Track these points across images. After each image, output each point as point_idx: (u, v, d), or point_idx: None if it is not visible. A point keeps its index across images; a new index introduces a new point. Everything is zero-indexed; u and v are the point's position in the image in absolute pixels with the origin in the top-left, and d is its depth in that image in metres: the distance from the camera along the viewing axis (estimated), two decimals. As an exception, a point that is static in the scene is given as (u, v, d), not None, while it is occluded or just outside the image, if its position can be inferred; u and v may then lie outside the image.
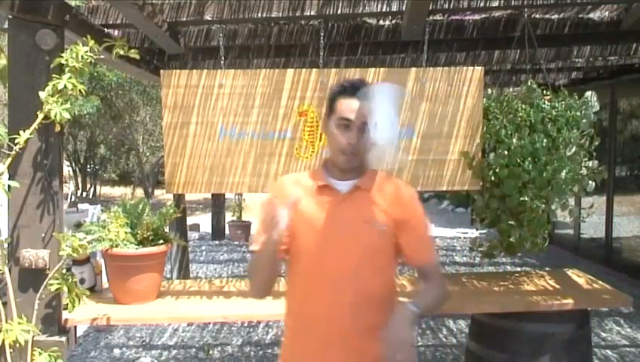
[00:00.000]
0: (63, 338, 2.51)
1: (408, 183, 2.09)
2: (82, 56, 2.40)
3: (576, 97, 2.90)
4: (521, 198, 2.76)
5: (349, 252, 1.73)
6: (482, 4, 3.02)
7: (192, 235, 9.55)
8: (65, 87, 2.35)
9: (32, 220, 2.49)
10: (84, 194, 15.11)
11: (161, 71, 3.05)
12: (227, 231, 9.75)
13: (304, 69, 3.03)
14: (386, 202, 1.77)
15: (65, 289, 2.50)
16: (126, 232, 2.70)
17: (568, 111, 2.80)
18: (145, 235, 2.80)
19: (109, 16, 3.25)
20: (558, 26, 3.79)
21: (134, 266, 2.74)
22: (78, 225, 3.12)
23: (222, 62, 3.24)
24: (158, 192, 15.66)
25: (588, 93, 2.88)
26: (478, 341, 2.97)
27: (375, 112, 1.65)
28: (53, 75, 2.38)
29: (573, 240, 7.89)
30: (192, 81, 3.00)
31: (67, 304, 2.59)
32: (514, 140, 2.77)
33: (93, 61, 2.44)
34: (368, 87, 1.75)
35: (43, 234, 2.49)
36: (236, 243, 9.35)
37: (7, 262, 2.45)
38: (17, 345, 2.34)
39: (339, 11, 3.04)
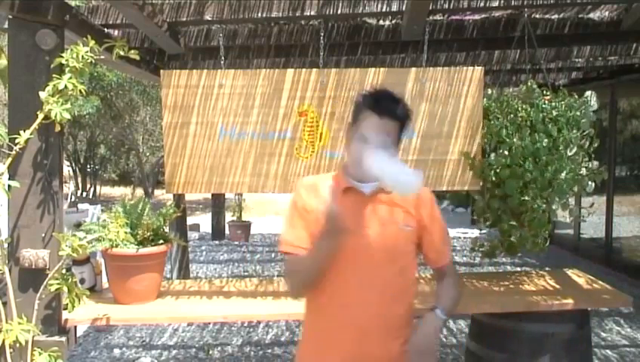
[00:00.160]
0: (63, 338, 2.51)
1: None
2: (82, 56, 2.39)
3: (576, 97, 2.90)
4: (523, 198, 2.76)
5: (376, 253, 1.77)
6: (482, 4, 3.02)
7: (192, 235, 9.55)
8: (65, 87, 2.35)
9: (32, 220, 2.49)
10: (84, 194, 15.10)
11: (161, 71, 3.05)
12: (227, 231, 9.75)
13: (304, 69, 3.03)
14: (409, 204, 1.81)
15: (65, 289, 2.50)
16: (126, 232, 2.70)
17: (569, 112, 2.80)
18: (145, 235, 2.80)
19: (109, 16, 3.25)
20: (558, 26, 3.79)
21: (134, 266, 2.74)
22: (78, 225, 3.12)
23: (222, 62, 3.24)
24: (158, 192, 15.67)
25: (587, 93, 2.88)
26: (478, 341, 2.97)
27: (384, 177, 1.64)
28: (54, 75, 2.38)
29: (573, 240, 7.89)
30: (192, 81, 3.00)
31: (67, 304, 2.58)
32: (515, 140, 2.77)
33: (93, 61, 2.44)
34: (397, 106, 1.74)
35: (43, 234, 2.48)
36: (236, 243, 9.35)
37: (7, 262, 2.45)
38: (17, 345, 2.34)
39: (339, 11, 3.04)
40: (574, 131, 2.78)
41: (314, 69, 3.01)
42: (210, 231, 9.87)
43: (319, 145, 2.99)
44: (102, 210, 9.15)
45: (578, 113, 2.81)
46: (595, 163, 2.87)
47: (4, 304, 2.42)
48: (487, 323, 2.90)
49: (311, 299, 1.88)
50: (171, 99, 3.00)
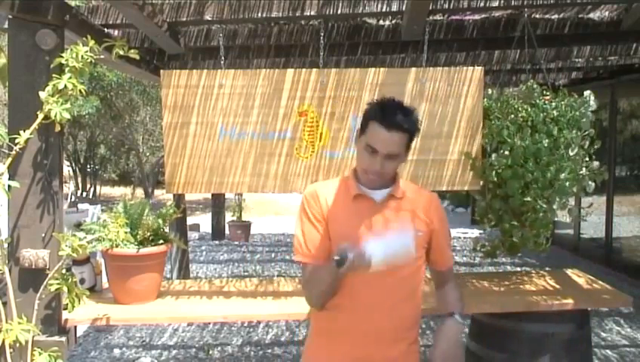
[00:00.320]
0: (63, 338, 2.51)
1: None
2: (82, 56, 2.39)
3: (576, 97, 2.90)
4: (525, 199, 2.76)
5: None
6: (482, 4, 3.02)
7: (192, 235, 9.55)
8: (65, 87, 2.35)
9: (32, 220, 2.49)
10: (84, 194, 15.09)
11: (161, 71, 3.05)
12: (227, 231, 9.75)
13: (304, 69, 3.03)
14: (420, 210, 1.84)
15: (65, 289, 2.50)
16: (126, 232, 2.70)
17: (569, 112, 2.80)
18: (145, 235, 2.80)
19: (109, 16, 3.25)
20: (558, 26, 3.79)
21: (134, 266, 2.74)
22: (78, 225, 3.12)
23: (222, 62, 3.24)
24: (158, 192, 15.66)
25: (586, 92, 2.88)
26: (478, 341, 2.97)
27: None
28: (53, 75, 2.38)
29: (573, 240, 7.90)
30: (192, 81, 3.00)
31: (67, 304, 2.58)
32: (517, 140, 2.77)
33: (93, 61, 2.44)
34: (404, 119, 1.74)
35: (43, 234, 2.48)
36: (236, 243, 9.35)
37: (7, 262, 2.45)
38: (17, 344, 2.34)
39: (339, 11, 3.04)
40: (575, 131, 2.78)
41: (314, 69, 3.01)
42: (210, 231, 9.87)
43: (319, 145, 2.99)
44: (102, 210, 9.15)
45: (578, 113, 2.81)
46: (596, 163, 2.87)
47: (4, 304, 2.42)
48: (487, 323, 2.90)
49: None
50: (171, 99, 3.00)
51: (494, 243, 3.10)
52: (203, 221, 11.16)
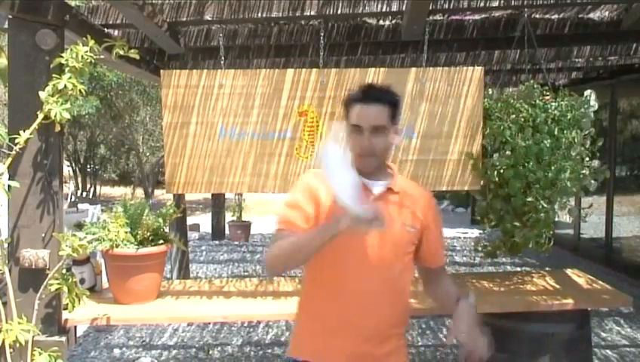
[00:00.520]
0: (63, 338, 2.51)
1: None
2: (82, 56, 2.40)
3: (577, 97, 2.90)
4: (527, 199, 2.76)
5: (382, 251, 1.78)
6: (482, 4, 3.02)
7: (192, 235, 9.54)
8: (65, 87, 2.35)
9: (32, 220, 2.49)
10: (84, 194, 15.10)
11: (161, 71, 3.05)
12: (227, 231, 9.75)
13: (304, 69, 3.03)
14: (415, 205, 1.85)
15: (65, 289, 2.50)
16: (126, 232, 2.70)
17: (570, 112, 2.80)
18: (145, 235, 2.80)
19: (109, 16, 3.25)
20: (558, 26, 3.79)
21: (134, 266, 2.74)
22: (78, 225, 3.12)
23: (222, 62, 3.24)
24: (158, 192, 15.65)
25: (587, 92, 2.88)
26: (478, 341, 2.96)
27: (330, 178, 1.61)
28: (53, 75, 2.38)
29: (573, 240, 7.89)
30: (192, 81, 3.00)
31: (67, 304, 2.59)
32: (519, 141, 2.77)
33: (93, 61, 2.44)
34: (377, 91, 1.79)
35: (43, 234, 2.49)
36: (236, 243, 9.34)
37: (7, 262, 2.45)
38: (17, 345, 2.34)
39: (339, 11, 3.04)
40: (576, 131, 2.78)
41: (314, 69, 3.02)
42: (210, 231, 9.86)
43: (319, 145, 2.99)
44: (102, 210, 9.15)
45: (579, 113, 2.81)
46: (596, 162, 2.87)
47: (4, 304, 2.42)
48: (487, 323, 2.90)
49: (315, 295, 1.88)
50: (171, 99, 3.00)
51: (495, 244, 3.10)
52: (203, 221, 11.16)
